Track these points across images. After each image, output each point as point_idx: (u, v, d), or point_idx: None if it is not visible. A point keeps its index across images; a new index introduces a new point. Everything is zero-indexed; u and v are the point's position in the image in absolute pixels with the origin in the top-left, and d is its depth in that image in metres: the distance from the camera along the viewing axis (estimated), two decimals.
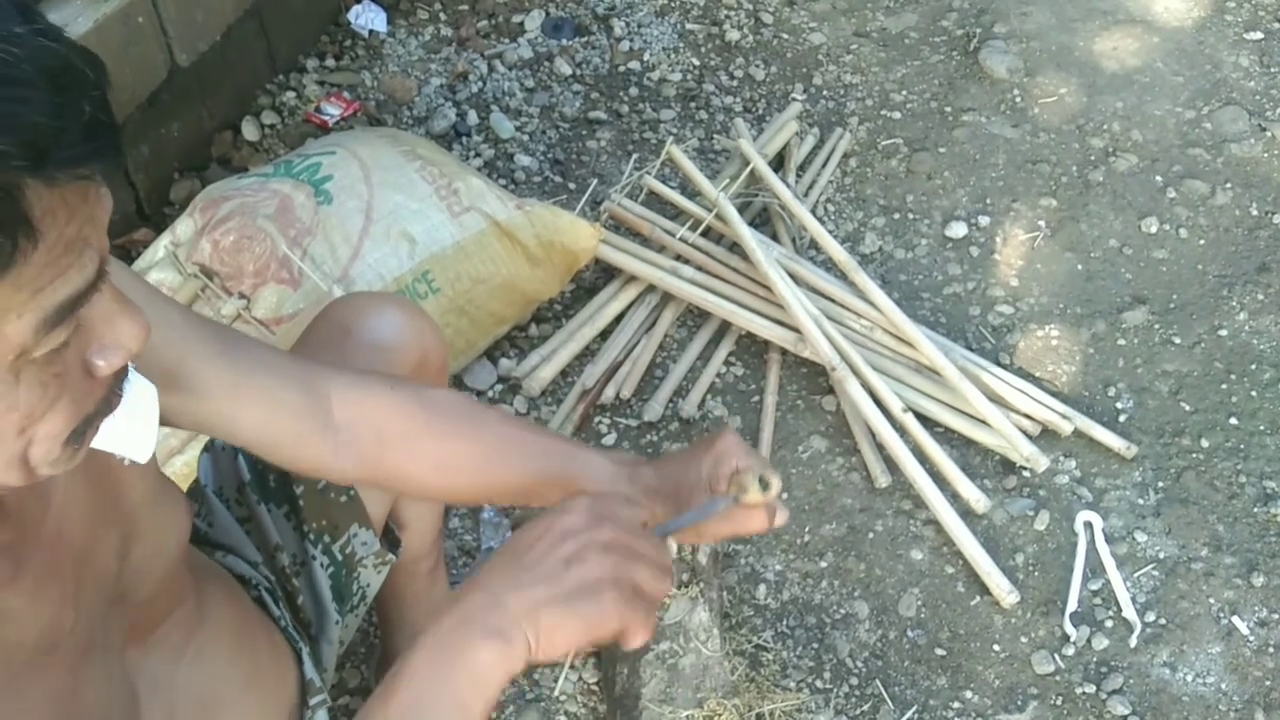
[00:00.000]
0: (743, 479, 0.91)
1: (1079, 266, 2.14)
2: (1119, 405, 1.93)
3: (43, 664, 0.71)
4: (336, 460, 0.95)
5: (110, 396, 0.64)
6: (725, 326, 2.00)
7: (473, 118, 2.32)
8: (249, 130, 2.23)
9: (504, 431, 0.99)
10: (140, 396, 0.71)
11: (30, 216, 0.53)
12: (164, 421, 0.76)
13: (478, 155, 2.26)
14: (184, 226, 1.75)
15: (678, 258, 2.01)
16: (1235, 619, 1.69)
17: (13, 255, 0.53)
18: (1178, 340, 2.02)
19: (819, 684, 1.63)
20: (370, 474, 0.97)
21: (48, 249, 0.54)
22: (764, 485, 0.90)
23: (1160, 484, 1.83)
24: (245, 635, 1.00)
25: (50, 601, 0.72)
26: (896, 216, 2.22)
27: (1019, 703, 1.62)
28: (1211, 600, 1.71)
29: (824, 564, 1.75)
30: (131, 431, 0.69)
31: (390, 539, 1.22)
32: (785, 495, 1.82)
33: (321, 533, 1.12)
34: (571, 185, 2.23)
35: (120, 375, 0.64)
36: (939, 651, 1.66)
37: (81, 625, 0.75)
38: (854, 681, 1.64)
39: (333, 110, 2.27)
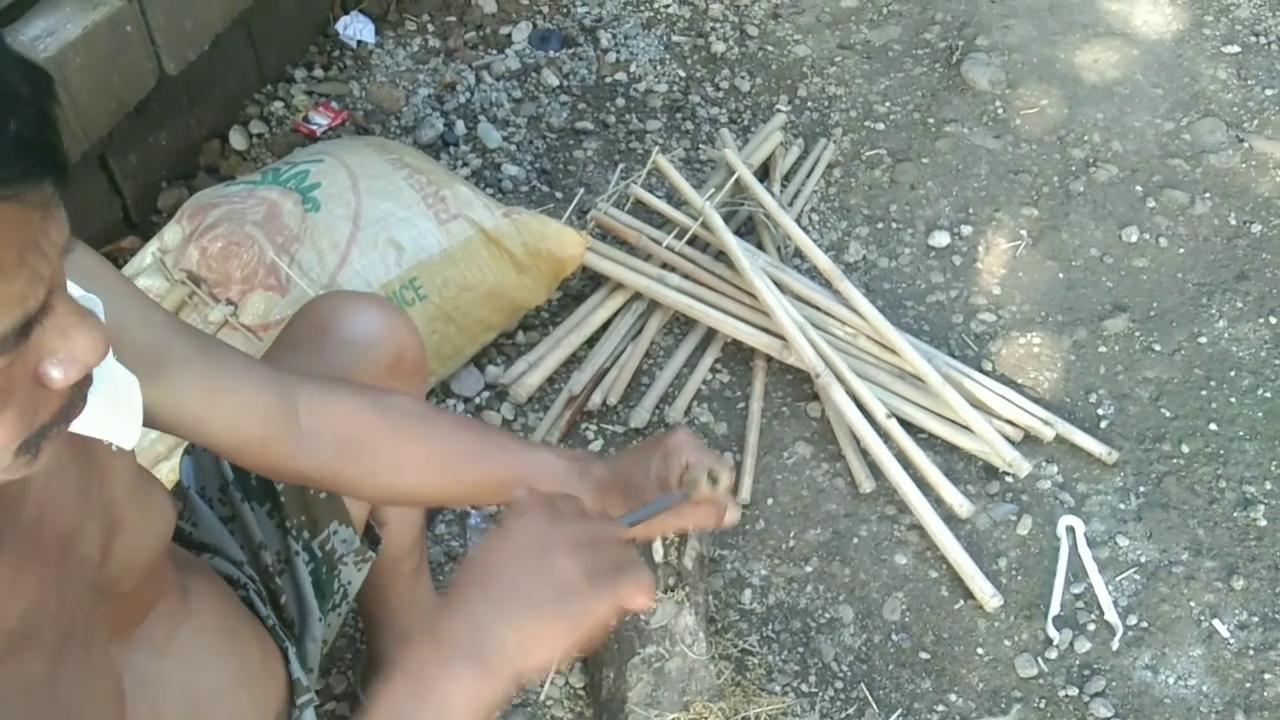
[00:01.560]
0: (692, 474, 0.92)
1: (1060, 275, 2.16)
2: (1100, 411, 1.95)
3: (21, 650, 0.71)
4: (299, 465, 0.96)
5: (69, 406, 0.61)
6: (711, 334, 2.02)
7: (460, 128, 2.33)
8: (237, 139, 2.24)
9: (457, 434, 1.01)
10: (123, 383, 0.71)
11: None
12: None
13: (465, 165, 2.27)
14: (172, 233, 1.75)
15: (664, 266, 2.03)
16: (1216, 622, 1.71)
17: None
18: (1158, 347, 2.04)
19: (804, 688, 1.64)
20: (331, 478, 0.99)
21: None
22: (713, 480, 0.92)
23: (1141, 489, 1.85)
24: (233, 633, 1.00)
25: (31, 584, 0.71)
26: (880, 226, 2.24)
27: (1003, 706, 1.63)
28: (1192, 603, 1.73)
29: (809, 569, 1.76)
30: (116, 416, 0.69)
31: (371, 537, 1.23)
32: (770, 501, 1.83)
33: (302, 528, 1.13)
34: (558, 195, 2.24)
35: (82, 384, 0.61)
36: (923, 655, 1.68)
37: (65, 612, 0.75)
38: (839, 685, 1.65)
39: (321, 120, 2.28)
